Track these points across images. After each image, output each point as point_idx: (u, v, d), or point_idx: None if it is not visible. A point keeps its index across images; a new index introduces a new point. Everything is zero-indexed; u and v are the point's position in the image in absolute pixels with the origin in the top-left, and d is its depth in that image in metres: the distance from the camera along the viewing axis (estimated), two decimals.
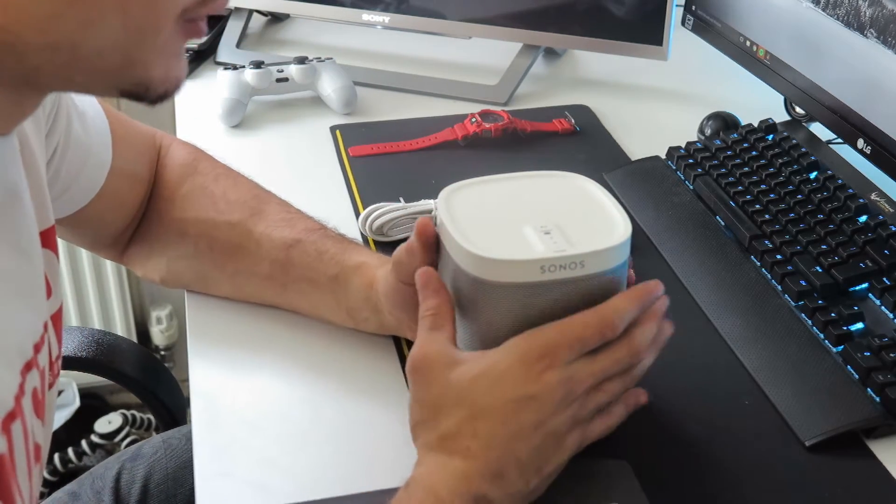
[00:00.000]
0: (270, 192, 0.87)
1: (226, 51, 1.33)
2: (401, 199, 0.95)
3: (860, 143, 0.92)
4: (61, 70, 0.50)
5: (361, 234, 0.93)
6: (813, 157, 0.97)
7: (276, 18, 1.46)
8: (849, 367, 0.76)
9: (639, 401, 0.67)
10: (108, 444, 1.83)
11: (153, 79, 0.51)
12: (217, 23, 1.36)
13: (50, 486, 1.49)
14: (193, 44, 1.30)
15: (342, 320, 0.80)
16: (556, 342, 0.61)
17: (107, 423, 1.84)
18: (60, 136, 0.72)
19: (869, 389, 0.74)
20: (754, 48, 1.08)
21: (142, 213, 0.86)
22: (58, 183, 0.74)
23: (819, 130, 1.04)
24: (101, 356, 1.05)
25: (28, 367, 0.54)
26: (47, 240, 0.63)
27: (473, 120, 1.12)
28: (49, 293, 0.62)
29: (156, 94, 0.52)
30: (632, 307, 0.63)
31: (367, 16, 1.29)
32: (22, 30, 0.46)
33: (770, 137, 1.03)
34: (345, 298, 0.79)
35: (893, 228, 0.86)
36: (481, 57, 1.33)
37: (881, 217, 0.87)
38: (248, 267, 0.82)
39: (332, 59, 1.22)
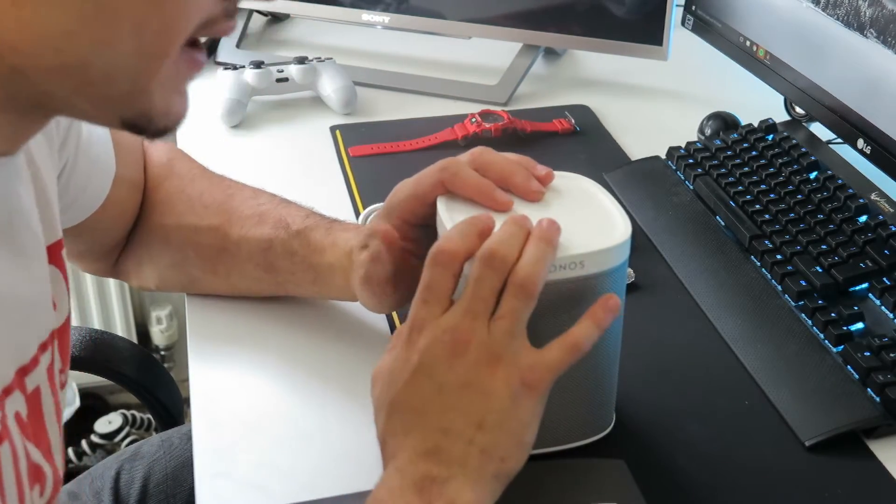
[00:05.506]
0: (240, 183, 0.86)
1: (226, 51, 1.33)
2: None
3: (860, 143, 0.92)
4: (70, 95, 0.49)
5: None
6: (813, 157, 0.97)
7: (276, 18, 1.46)
8: (849, 367, 0.76)
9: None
10: (109, 444, 1.83)
11: (155, 111, 0.50)
12: None
13: None
14: None
15: (343, 300, 0.82)
16: (414, 310, 0.61)
17: (107, 423, 1.84)
18: (72, 148, 0.72)
19: (869, 389, 0.74)
20: (754, 48, 1.08)
21: (135, 219, 0.85)
22: (67, 195, 0.73)
23: (819, 130, 1.04)
24: (97, 355, 1.05)
25: (6, 391, 0.53)
26: (54, 255, 0.62)
27: (473, 120, 1.12)
28: (54, 308, 0.61)
29: (156, 128, 0.51)
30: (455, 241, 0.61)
31: (367, 16, 1.29)
32: (36, 50, 0.46)
33: (770, 137, 1.03)
34: (331, 293, 0.81)
35: (893, 228, 0.86)
36: (481, 57, 1.32)
37: (881, 217, 0.87)
38: (238, 268, 0.82)
39: (332, 59, 1.22)
